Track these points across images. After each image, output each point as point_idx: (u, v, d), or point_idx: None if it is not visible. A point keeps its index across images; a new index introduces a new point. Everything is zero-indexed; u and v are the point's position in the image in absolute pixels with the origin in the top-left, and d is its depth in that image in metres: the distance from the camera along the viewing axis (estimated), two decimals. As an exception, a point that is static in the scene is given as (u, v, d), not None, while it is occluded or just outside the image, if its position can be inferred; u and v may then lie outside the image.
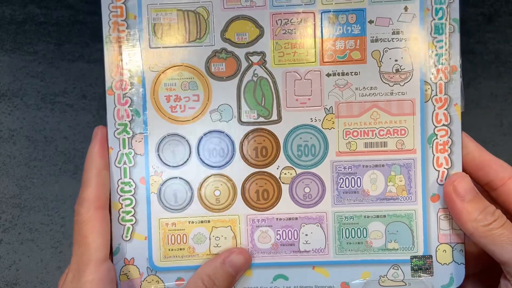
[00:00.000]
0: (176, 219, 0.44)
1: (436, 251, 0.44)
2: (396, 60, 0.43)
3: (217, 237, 0.44)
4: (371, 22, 0.43)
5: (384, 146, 0.44)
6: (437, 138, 0.43)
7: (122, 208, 0.43)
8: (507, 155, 0.53)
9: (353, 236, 0.44)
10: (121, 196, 0.43)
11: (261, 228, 0.44)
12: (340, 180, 0.44)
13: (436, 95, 0.43)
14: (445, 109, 0.43)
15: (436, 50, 0.43)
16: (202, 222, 0.44)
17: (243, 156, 0.44)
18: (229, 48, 0.43)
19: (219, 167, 0.44)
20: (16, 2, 0.55)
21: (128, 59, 0.43)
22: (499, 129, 0.54)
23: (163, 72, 0.43)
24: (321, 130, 0.43)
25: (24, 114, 0.53)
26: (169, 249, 0.44)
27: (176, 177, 0.44)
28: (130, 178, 0.44)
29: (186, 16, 0.43)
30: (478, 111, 0.54)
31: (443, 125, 0.43)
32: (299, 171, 0.44)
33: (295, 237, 0.44)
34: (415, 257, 0.44)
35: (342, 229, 0.44)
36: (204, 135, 0.44)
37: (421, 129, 0.44)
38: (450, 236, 0.44)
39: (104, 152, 0.43)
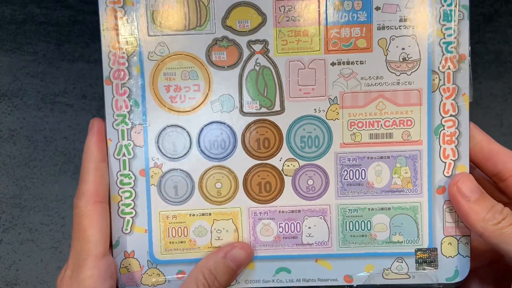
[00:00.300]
0: (177, 211, 0.38)
1: (441, 244, 0.38)
2: (403, 49, 0.37)
3: (219, 230, 0.38)
4: (377, 8, 0.36)
5: (390, 138, 0.37)
6: (444, 129, 0.37)
7: (121, 200, 0.37)
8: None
9: (357, 228, 0.38)
10: (120, 188, 0.37)
11: (263, 221, 0.38)
12: (344, 172, 0.37)
13: (444, 84, 0.37)
14: (452, 99, 0.37)
15: (445, 38, 0.37)
16: (203, 214, 0.38)
17: (245, 148, 0.37)
18: (231, 36, 0.37)
19: (220, 159, 0.37)
20: (16, 2, 0.50)
21: (126, 47, 0.37)
22: (499, 129, 0.48)
23: (162, 61, 0.37)
24: (325, 121, 0.37)
25: (24, 114, 0.48)
26: (169, 242, 0.38)
27: (177, 169, 0.37)
28: (129, 170, 0.37)
29: (185, 3, 0.36)
30: (478, 111, 0.48)
31: (451, 115, 0.37)
32: (302, 163, 0.37)
33: (298, 230, 0.38)
34: (419, 250, 0.38)
35: (345, 221, 0.38)
36: (205, 126, 0.37)
37: (428, 120, 0.37)
38: (455, 228, 0.38)
39: (102, 144, 0.36)
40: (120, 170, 0.37)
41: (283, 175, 0.38)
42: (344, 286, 0.38)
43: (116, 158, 0.37)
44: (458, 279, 0.38)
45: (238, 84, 0.37)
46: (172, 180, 0.38)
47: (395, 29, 0.37)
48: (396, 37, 0.37)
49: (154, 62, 0.37)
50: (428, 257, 0.38)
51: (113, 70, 0.37)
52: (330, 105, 0.37)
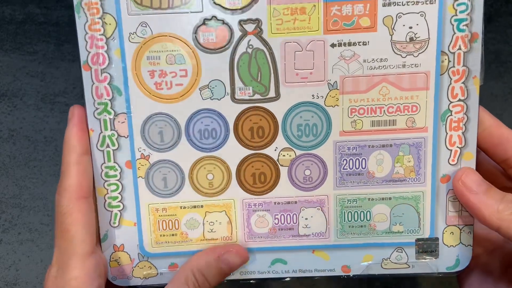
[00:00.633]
0: (167, 204, 0.31)
1: (443, 233, 0.31)
2: (410, 27, 0.29)
3: (211, 222, 0.31)
4: (384, -18, 0.28)
5: (393, 125, 0.30)
6: (451, 115, 0.30)
7: (107, 193, 0.30)
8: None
9: (355, 219, 0.31)
10: (106, 181, 0.30)
11: (258, 213, 0.31)
12: (343, 161, 0.30)
13: (454, 66, 0.29)
14: (462, 83, 0.29)
15: (457, 15, 0.28)
16: (194, 207, 0.31)
17: (238, 137, 0.30)
18: (220, 15, 0.28)
19: (212, 149, 0.30)
20: (16, 2, 0.45)
21: (104, 29, 0.28)
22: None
23: (144, 44, 0.29)
24: (323, 108, 0.29)
25: (24, 114, 0.43)
26: (160, 235, 0.31)
27: (165, 161, 0.30)
28: (114, 162, 0.30)
29: (167, -23, 0.28)
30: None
31: (459, 100, 0.29)
32: (299, 152, 0.30)
33: (294, 221, 0.31)
34: (420, 239, 0.31)
35: (344, 212, 0.31)
36: (193, 114, 0.30)
37: (435, 105, 0.30)
38: (458, 218, 0.31)
39: (83, 135, 0.29)
40: (104, 162, 0.30)
41: (279, 165, 0.31)
42: (341, 276, 0.32)
43: (99, 150, 0.30)
44: (458, 268, 0.32)
45: (229, 69, 0.29)
46: (161, 172, 0.31)
47: (402, 5, 0.29)
48: (403, 14, 0.29)
49: (135, 45, 0.29)
50: (428, 247, 0.32)
51: (91, 54, 0.29)
52: (329, 91, 0.30)
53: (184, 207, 0.31)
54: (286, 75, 0.29)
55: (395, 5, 0.29)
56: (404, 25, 0.29)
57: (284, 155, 0.31)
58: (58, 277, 0.28)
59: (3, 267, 0.37)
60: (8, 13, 0.44)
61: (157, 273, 0.32)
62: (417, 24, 0.29)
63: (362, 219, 0.32)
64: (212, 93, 0.30)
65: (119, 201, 0.31)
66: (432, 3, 0.28)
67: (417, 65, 0.29)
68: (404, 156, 0.31)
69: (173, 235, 0.31)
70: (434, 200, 0.31)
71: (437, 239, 0.32)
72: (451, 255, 0.32)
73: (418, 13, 0.29)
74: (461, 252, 0.32)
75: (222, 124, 0.30)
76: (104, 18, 0.29)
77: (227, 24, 0.29)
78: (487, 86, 0.40)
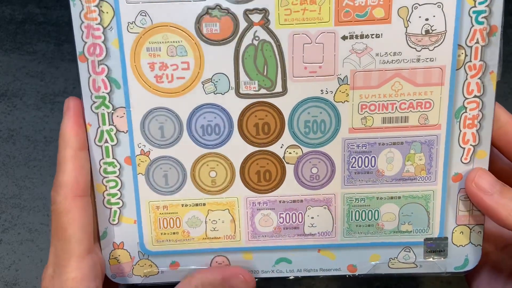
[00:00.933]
0: (168, 202, 0.29)
1: (452, 232, 0.30)
2: (426, 19, 0.27)
3: (214, 220, 0.30)
4: (400, -30, 0.26)
5: (405, 122, 0.28)
6: (466, 112, 0.28)
7: (106, 190, 0.29)
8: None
9: (363, 218, 0.30)
10: (104, 177, 0.29)
11: (262, 211, 0.30)
12: (352, 159, 0.29)
13: (470, 61, 0.27)
14: (478, 78, 0.27)
15: (476, 6, 0.26)
16: (196, 205, 0.29)
17: (242, 134, 0.28)
18: (224, 4, 0.26)
19: (214, 145, 0.28)
20: (16, 2, 0.44)
21: (101, 18, 0.26)
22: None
23: (144, 34, 0.27)
24: (332, 104, 0.28)
25: (23, 114, 0.42)
26: (161, 233, 0.30)
27: (166, 157, 0.29)
28: (113, 158, 0.28)
29: (168, -37, 0.26)
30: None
31: (475, 96, 0.28)
32: (306, 150, 0.28)
33: (300, 220, 0.30)
34: (429, 239, 0.30)
35: (351, 211, 0.30)
36: (196, 109, 0.28)
37: (449, 102, 0.28)
38: (469, 217, 0.30)
39: (80, 129, 0.27)
40: (103, 158, 0.29)
41: (285, 163, 0.29)
42: (347, 275, 0.31)
43: (97, 145, 0.28)
44: (467, 268, 0.31)
45: (234, 62, 0.27)
46: (161, 168, 0.29)
47: (419, -5, 0.26)
48: (420, 5, 0.27)
49: (134, 35, 0.27)
50: (437, 247, 0.30)
51: (88, 44, 0.27)
52: (339, 86, 0.28)
53: (186, 205, 0.30)
54: (294, 69, 0.27)
55: (411, -5, 0.27)
56: (420, 17, 0.27)
57: (290, 153, 0.29)
58: (55, 277, 0.27)
59: (3, 267, 0.36)
60: (7, 13, 0.44)
61: (158, 272, 0.31)
62: (434, 16, 0.27)
63: (370, 218, 0.30)
64: (215, 87, 0.28)
65: (119, 198, 0.29)
66: None
67: (432, 59, 0.27)
68: (415, 154, 0.29)
69: (174, 233, 0.30)
70: (445, 199, 0.30)
71: (446, 238, 0.30)
72: (460, 255, 0.31)
73: (435, 4, 0.27)
74: (470, 251, 0.30)
75: (225, 119, 0.28)
76: (101, 6, 0.26)
77: (232, 14, 0.27)
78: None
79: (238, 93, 0.28)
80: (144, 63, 0.27)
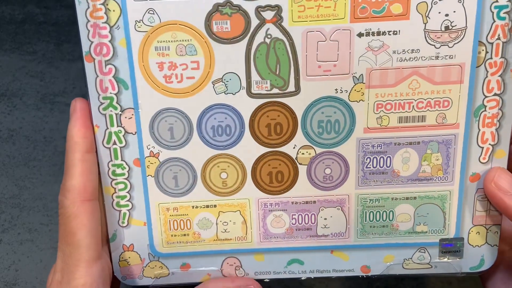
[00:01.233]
0: (178, 203, 0.28)
1: (468, 233, 0.29)
2: (446, 15, 0.25)
3: (225, 222, 0.29)
4: (419, -36, 0.24)
5: (422, 121, 0.27)
6: (485, 110, 0.27)
7: (115, 192, 0.28)
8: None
9: (377, 219, 0.29)
10: (113, 180, 0.28)
11: (274, 213, 0.29)
12: (367, 160, 0.28)
13: (491, 58, 0.26)
14: (499, 76, 0.26)
15: (497, 1, 0.25)
16: (207, 206, 0.29)
17: (254, 134, 0.27)
18: (235, 0, 0.25)
19: (225, 146, 0.27)
20: (16, 2, 0.44)
21: (108, 16, 0.25)
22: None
23: (152, 33, 0.26)
24: (347, 103, 0.27)
25: (23, 114, 0.41)
26: (171, 235, 0.29)
27: (176, 158, 0.28)
28: (122, 160, 0.27)
29: (177, -42, 0.24)
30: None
31: (495, 94, 0.27)
32: (319, 150, 0.28)
33: (313, 221, 0.29)
34: (444, 239, 0.29)
35: (365, 212, 0.29)
36: (206, 110, 0.27)
37: (468, 100, 0.27)
38: (486, 217, 0.29)
39: (87, 131, 0.26)
40: (111, 160, 0.28)
41: (297, 163, 0.28)
42: (360, 276, 0.30)
43: (105, 147, 0.27)
44: (483, 268, 0.30)
45: (245, 61, 0.26)
46: (171, 170, 0.28)
47: (439, -11, 0.25)
48: (439, 0, 0.25)
49: (142, 34, 0.26)
50: (453, 247, 0.29)
51: (94, 44, 0.26)
52: (354, 85, 0.27)
53: (196, 207, 0.29)
54: (307, 68, 0.26)
55: (430, -11, 0.25)
56: (439, 13, 0.25)
57: (303, 153, 0.28)
58: (63, 283, 0.26)
59: (3, 267, 0.36)
60: (7, 13, 0.43)
61: (169, 273, 0.30)
62: (454, 11, 0.25)
63: (384, 219, 0.29)
64: (226, 87, 0.27)
65: (128, 200, 0.28)
66: None
67: (451, 56, 0.26)
68: (432, 154, 0.28)
69: (185, 235, 0.29)
70: (462, 200, 0.29)
71: (462, 239, 0.30)
72: (476, 255, 0.30)
73: (455, -2, 0.25)
74: (486, 252, 0.30)
75: (237, 120, 0.27)
76: (107, 4, 0.25)
77: (243, 11, 0.25)
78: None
79: (250, 93, 0.27)
80: (153, 62, 0.26)
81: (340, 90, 0.27)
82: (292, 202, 0.29)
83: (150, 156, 0.28)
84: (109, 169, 0.28)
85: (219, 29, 0.26)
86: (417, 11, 0.26)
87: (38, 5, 0.44)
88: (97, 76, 0.26)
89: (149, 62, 0.26)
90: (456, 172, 0.29)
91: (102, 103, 0.27)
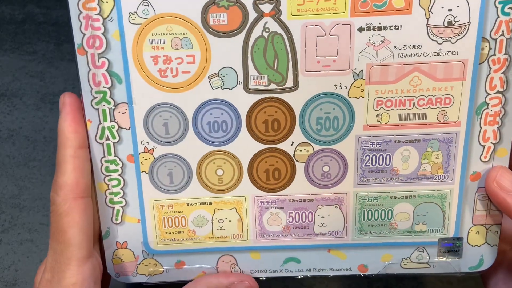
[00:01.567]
0: (173, 200, 0.28)
1: (468, 233, 0.28)
2: (449, 10, 0.24)
3: (221, 219, 0.28)
4: (423, -44, 0.24)
5: (423, 118, 0.26)
6: (487, 108, 0.26)
7: (109, 189, 0.27)
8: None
9: (376, 218, 0.28)
10: (106, 176, 0.27)
11: (270, 210, 0.28)
12: (365, 157, 0.27)
13: (494, 54, 0.25)
14: (502, 73, 0.25)
15: (502, -5, 0.24)
16: (202, 204, 0.28)
17: (251, 130, 0.26)
18: (232, -8, 0.24)
19: (222, 143, 0.27)
20: (16, 2, 0.44)
21: (101, 7, 0.24)
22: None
23: (147, 25, 0.25)
24: (346, 100, 0.26)
25: (23, 114, 0.41)
26: (166, 232, 0.28)
27: (170, 155, 0.27)
28: (115, 156, 0.27)
29: None
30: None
31: (497, 92, 0.26)
32: (317, 147, 0.27)
33: (310, 220, 0.28)
34: (444, 239, 0.28)
35: (364, 210, 0.28)
36: (202, 105, 0.26)
37: (470, 98, 0.26)
38: (486, 217, 0.28)
39: (79, 126, 0.25)
40: (104, 156, 0.27)
41: (295, 161, 0.27)
42: (357, 275, 0.30)
43: (98, 142, 0.27)
44: (482, 268, 0.29)
45: (242, 55, 0.25)
46: (166, 166, 0.27)
47: (442, -17, 0.24)
48: (443, -6, 0.24)
49: (136, 27, 0.25)
50: (452, 247, 0.29)
51: (87, 36, 0.25)
52: (354, 81, 0.26)
53: (192, 204, 0.28)
54: (306, 63, 0.25)
55: (433, -17, 0.24)
56: (443, 7, 0.25)
57: (301, 150, 0.27)
58: (53, 283, 0.25)
59: (3, 267, 0.36)
60: (7, 13, 0.43)
61: (163, 271, 0.29)
62: (458, 6, 0.25)
63: (382, 217, 0.29)
64: (222, 82, 0.26)
65: (121, 197, 0.28)
66: None
67: (454, 52, 0.25)
68: (432, 152, 0.27)
69: (179, 232, 0.29)
70: (462, 199, 0.28)
71: (461, 238, 0.29)
72: (475, 255, 0.29)
73: (459, -7, 0.24)
74: (486, 251, 0.29)
75: (233, 116, 0.26)
76: (99, -5, 0.24)
77: (240, 3, 0.24)
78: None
79: (247, 88, 0.26)
80: (147, 56, 0.25)
81: (340, 86, 0.26)
82: (289, 200, 0.28)
83: (144, 152, 0.27)
84: (102, 165, 0.27)
85: (216, 22, 0.25)
86: (420, 5, 0.25)
87: (38, 5, 0.44)
88: (90, 69, 0.26)
89: (143, 56, 0.25)
90: (457, 170, 0.28)
91: (95, 98, 0.26)
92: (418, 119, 0.27)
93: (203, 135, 0.27)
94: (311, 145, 0.27)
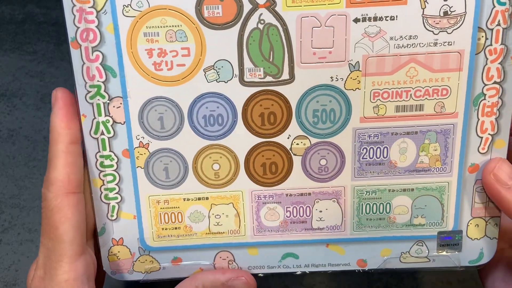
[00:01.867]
0: (169, 196, 0.27)
1: (467, 225, 0.28)
2: (445, 0, 0.24)
3: (218, 215, 0.28)
4: None
5: (420, 110, 0.26)
6: (485, 99, 0.26)
7: (104, 185, 0.27)
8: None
9: (374, 211, 0.28)
10: (101, 171, 0.26)
11: (268, 205, 0.28)
12: (363, 150, 0.27)
13: (491, 45, 0.25)
14: (499, 63, 0.25)
15: (498, -15, 0.24)
16: (199, 199, 0.27)
17: (247, 124, 0.26)
18: (227, -16, 0.24)
19: (218, 136, 0.26)
20: (16, 2, 0.44)
21: (94, 0, 0.24)
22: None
23: (141, 18, 0.24)
24: (343, 92, 0.25)
25: (23, 114, 0.41)
26: (162, 228, 0.28)
27: (166, 149, 0.26)
28: (110, 151, 0.26)
29: None
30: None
31: (494, 82, 0.26)
32: (314, 140, 0.26)
33: (308, 214, 0.28)
34: (443, 232, 0.28)
35: (362, 204, 0.28)
36: (197, 98, 0.26)
37: (467, 88, 0.26)
38: (485, 209, 0.28)
39: (71, 121, 0.25)
40: (99, 151, 0.26)
41: (292, 154, 0.27)
42: (356, 270, 0.29)
43: (93, 137, 0.26)
44: (482, 262, 0.29)
45: (237, 47, 0.25)
46: (162, 161, 0.27)
47: (437, -27, 0.24)
48: (438, -16, 0.24)
49: (131, 19, 0.25)
50: (451, 240, 0.28)
51: (80, 29, 0.25)
52: (350, 72, 0.25)
53: (188, 199, 0.28)
54: (301, 55, 0.25)
55: (429, -27, 0.24)
56: (438, -3, 0.24)
57: (297, 144, 0.27)
58: (46, 280, 0.25)
59: (3, 268, 0.35)
60: (7, 13, 0.43)
61: (160, 268, 0.29)
62: (453, -4, 0.24)
63: (381, 211, 0.28)
64: (218, 74, 0.25)
65: (117, 193, 0.27)
66: None
67: (450, 43, 0.25)
68: (430, 144, 0.27)
69: (176, 228, 0.28)
70: (460, 191, 0.28)
71: (461, 231, 0.29)
72: (475, 248, 0.29)
73: (454, -17, 0.24)
74: (485, 245, 0.29)
75: (229, 109, 0.26)
76: (93, -12, 0.24)
77: (235, -5, 0.24)
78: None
79: (242, 81, 0.26)
80: (142, 49, 0.25)
81: (336, 78, 0.26)
82: (287, 194, 0.28)
83: (139, 146, 0.27)
84: (97, 160, 0.27)
85: (211, 14, 0.25)
86: (415, -5, 0.25)
87: (38, 5, 0.44)
88: (84, 63, 0.25)
89: (137, 49, 0.25)
90: (455, 162, 0.28)
91: (89, 92, 0.26)
92: (415, 110, 0.27)
93: (198, 129, 0.27)
94: (308, 138, 0.27)
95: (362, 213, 0.29)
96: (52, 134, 0.25)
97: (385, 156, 0.27)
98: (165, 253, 0.29)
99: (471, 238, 0.29)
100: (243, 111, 0.26)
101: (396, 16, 0.25)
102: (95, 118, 0.26)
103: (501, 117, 0.27)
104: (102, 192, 0.28)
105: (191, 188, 0.28)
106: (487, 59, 0.26)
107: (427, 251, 0.29)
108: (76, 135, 0.26)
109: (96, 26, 0.25)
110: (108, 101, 0.26)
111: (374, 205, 0.28)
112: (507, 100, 0.26)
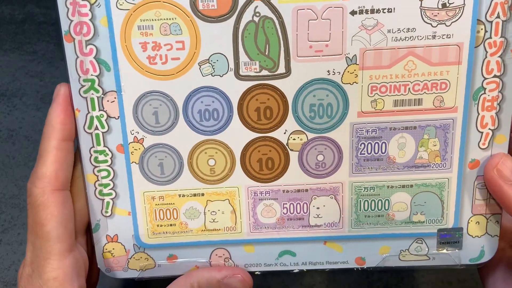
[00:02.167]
0: (164, 192, 0.27)
1: (468, 223, 0.27)
2: (443, -8, 0.24)
3: (213, 211, 0.27)
4: None
5: (419, 104, 0.25)
6: (485, 93, 0.25)
7: (98, 180, 0.26)
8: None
9: (372, 208, 0.27)
10: (95, 167, 0.26)
11: (264, 201, 0.27)
12: (361, 145, 0.26)
13: (490, 37, 0.24)
14: (498, 56, 0.25)
15: (497, -23, 0.23)
16: (194, 195, 0.27)
17: (242, 119, 0.26)
18: (221, -24, 0.23)
19: (213, 132, 0.26)
20: (16, 2, 0.44)
21: (87, -7, 0.24)
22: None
23: (135, 11, 0.24)
24: (340, 86, 0.25)
25: (23, 114, 0.41)
26: (157, 225, 0.27)
27: (161, 144, 0.26)
28: (104, 146, 0.26)
29: None
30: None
31: (494, 76, 0.25)
32: (311, 135, 0.26)
33: (305, 211, 0.27)
34: (443, 230, 0.27)
35: (360, 201, 0.27)
36: (192, 93, 0.25)
37: (467, 82, 0.25)
38: (486, 206, 0.27)
39: (67, 118, 0.25)
40: (93, 146, 0.26)
41: (288, 150, 0.26)
42: (354, 269, 0.29)
43: (87, 132, 0.26)
44: (483, 260, 0.28)
45: (233, 41, 0.24)
46: (156, 157, 0.26)
47: (435, -35, 0.24)
48: (436, -24, 0.24)
49: (124, 12, 0.24)
50: (451, 238, 0.28)
51: (74, 23, 0.24)
52: (347, 66, 0.25)
53: (183, 195, 0.27)
54: (298, 48, 0.25)
55: (426, -36, 0.24)
56: (436, -11, 0.24)
57: (294, 139, 0.26)
58: (34, 278, 0.24)
59: (3, 267, 0.35)
60: (7, 13, 0.43)
61: (155, 265, 0.28)
62: (452, -12, 0.24)
63: (379, 208, 0.28)
64: (213, 68, 0.25)
65: (111, 189, 0.27)
66: None
67: (449, 35, 0.25)
68: (429, 139, 0.26)
69: (171, 225, 0.28)
70: (460, 188, 0.27)
71: (461, 229, 0.28)
72: (476, 246, 0.28)
73: (453, -26, 0.24)
74: (486, 242, 0.28)
75: (224, 103, 0.26)
76: (86, -19, 0.24)
77: (230, -13, 0.24)
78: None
79: (238, 75, 0.25)
80: (136, 43, 0.25)
81: (333, 71, 0.25)
82: (283, 191, 0.27)
83: (134, 141, 0.26)
84: (91, 155, 0.26)
85: (205, 7, 0.24)
86: (413, -13, 0.24)
87: (38, 5, 0.44)
88: (77, 57, 0.25)
89: (131, 42, 0.25)
90: (455, 158, 0.27)
91: (83, 86, 0.25)
92: (414, 105, 0.26)
93: (194, 123, 0.26)
94: (305, 133, 0.26)
95: (360, 210, 0.28)
96: (46, 128, 0.25)
97: (383, 151, 0.27)
98: (160, 250, 0.28)
99: (472, 236, 0.28)
100: (239, 105, 0.26)
101: (394, 8, 0.24)
102: (89, 112, 0.26)
103: (502, 111, 0.26)
104: (96, 188, 0.27)
105: (187, 184, 0.27)
106: (486, 52, 0.25)
107: (427, 249, 0.28)
108: (70, 132, 0.25)
109: (90, 19, 0.25)
110: (102, 96, 0.26)
111: (373, 202, 0.28)
112: (508, 94, 0.26)
